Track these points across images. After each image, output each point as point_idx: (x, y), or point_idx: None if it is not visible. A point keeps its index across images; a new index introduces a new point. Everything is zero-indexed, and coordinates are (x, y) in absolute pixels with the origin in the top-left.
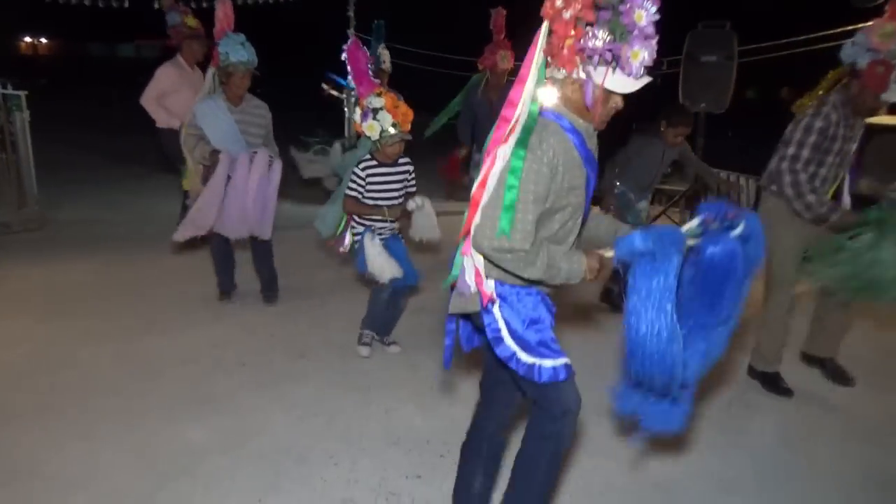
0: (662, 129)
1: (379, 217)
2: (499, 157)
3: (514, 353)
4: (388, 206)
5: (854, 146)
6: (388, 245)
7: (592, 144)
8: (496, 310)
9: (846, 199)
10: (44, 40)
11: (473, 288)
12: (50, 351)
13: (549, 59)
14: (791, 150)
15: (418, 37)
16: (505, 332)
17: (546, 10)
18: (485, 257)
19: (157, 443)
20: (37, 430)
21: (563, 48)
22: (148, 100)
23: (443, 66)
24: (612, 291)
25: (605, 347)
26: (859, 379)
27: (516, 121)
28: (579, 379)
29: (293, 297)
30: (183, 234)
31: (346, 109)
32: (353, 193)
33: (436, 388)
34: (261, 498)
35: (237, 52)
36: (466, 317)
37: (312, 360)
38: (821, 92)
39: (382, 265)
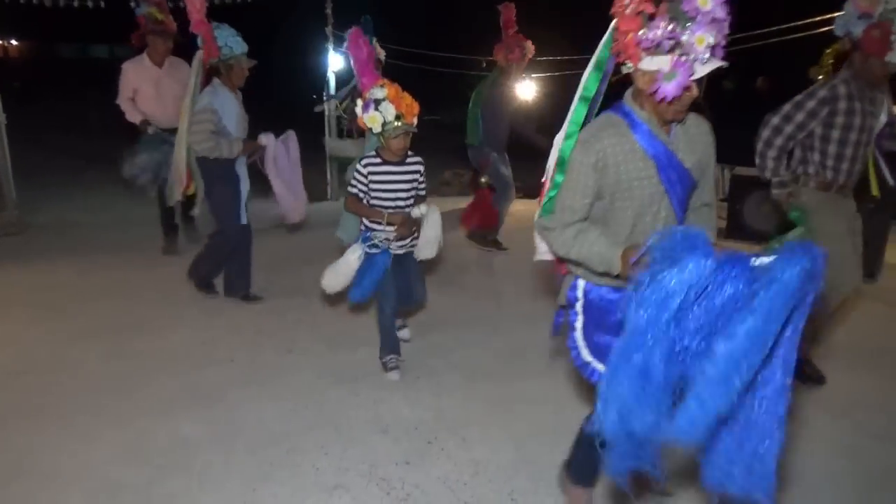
0: None
1: (379, 221)
2: (556, 146)
3: (577, 348)
4: (389, 212)
5: (878, 122)
6: (399, 261)
7: (663, 136)
8: (579, 307)
9: (890, 179)
10: (14, 42)
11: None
12: (39, 352)
13: (618, 54)
14: (787, 107)
15: (401, 33)
16: (579, 326)
17: (614, 8)
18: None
19: (151, 439)
20: (31, 429)
21: (626, 41)
22: (124, 100)
23: (428, 64)
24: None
25: None
26: (831, 361)
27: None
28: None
29: (280, 293)
30: (298, 214)
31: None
32: (354, 191)
33: (422, 378)
34: (255, 488)
35: (238, 43)
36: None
37: (300, 355)
38: (830, 61)
39: (335, 274)
